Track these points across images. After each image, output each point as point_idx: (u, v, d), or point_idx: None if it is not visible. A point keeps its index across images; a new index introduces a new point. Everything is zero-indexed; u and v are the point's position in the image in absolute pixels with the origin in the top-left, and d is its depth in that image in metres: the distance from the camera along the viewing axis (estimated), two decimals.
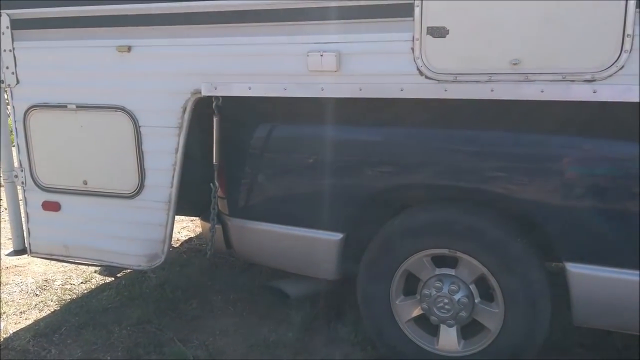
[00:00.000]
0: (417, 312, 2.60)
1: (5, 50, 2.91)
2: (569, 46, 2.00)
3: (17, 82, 2.96)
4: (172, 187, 2.74)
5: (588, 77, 1.99)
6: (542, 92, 2.06)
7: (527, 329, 2.38)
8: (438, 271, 2.52)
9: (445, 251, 2.47)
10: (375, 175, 2.56)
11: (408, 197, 2.58)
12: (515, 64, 2.07)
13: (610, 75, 1.96)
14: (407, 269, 2.56)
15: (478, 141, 2.37)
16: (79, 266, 3.83)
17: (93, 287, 3.74)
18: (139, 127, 2.75)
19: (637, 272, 2.17)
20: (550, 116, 2.20)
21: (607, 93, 1.98)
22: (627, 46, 1.91)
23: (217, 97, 2.63)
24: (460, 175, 2.38)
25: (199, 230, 4.53)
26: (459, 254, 2.44)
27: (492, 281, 2.41)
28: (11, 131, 3.11)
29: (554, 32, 2.00)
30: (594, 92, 1.99)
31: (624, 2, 1.88)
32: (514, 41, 2.07)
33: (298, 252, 2.78)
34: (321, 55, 2.36)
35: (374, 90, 2.35)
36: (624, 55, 1.92)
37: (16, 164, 3.10)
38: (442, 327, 2.54)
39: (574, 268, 2.26)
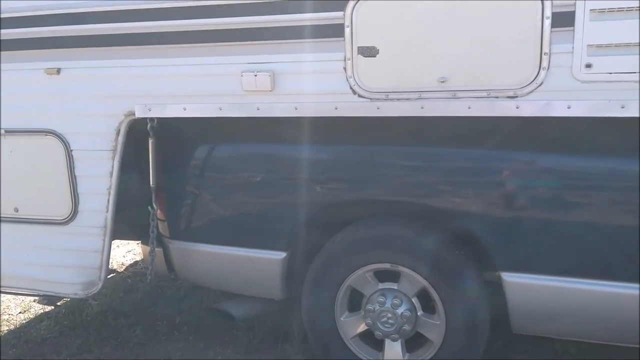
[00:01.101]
0: (362, 327, 2.70)
1: None
2: (493, 64, 2.15)
3: None
4: (107, 211, 2.76)
5: (510, 93, 2.15)
6: (469, 108, 2.20)
7: (468, 338, 2.52)
8: (381, 286, 2.63)
9: (387, 265, 2.58)
10: (316, 193, 2.65)
11: (349, 214, 2.68)
12: (442, 82, 2.21)
13: (531, 92, 2.12)
14: (350, 284, 2.66)
15: (415, 156, 2.51)
16: (17, 296, 3.79)
17: (32, 316, 3.70)
18: (71, 151, 2.77)
19: (572, 279, 2.34)
20: (482, 131, 2.34)
21: (528, 109, 2.14)
22: (544, 64, 2.07)
23: (152, 119, 2.68)
24: (399, 190, 2.50)
25: None
26: (400, 268, 2.56)
27: (433, 293, 2.54)
28: None
29: (478, 50, 2.15)
30: (517, 107, 2.15)
31: (540, 22, 2.04)
32: (441, 60, 2.20)
33: (241, 272, 2.85)
34: (255, 75, 2.45)
35: (309, 109, 2.45)
36: (542, 73, 2.09)
37: None
38: (387, 342, 2.65)
39: (509, 277, 2.42)
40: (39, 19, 2.66)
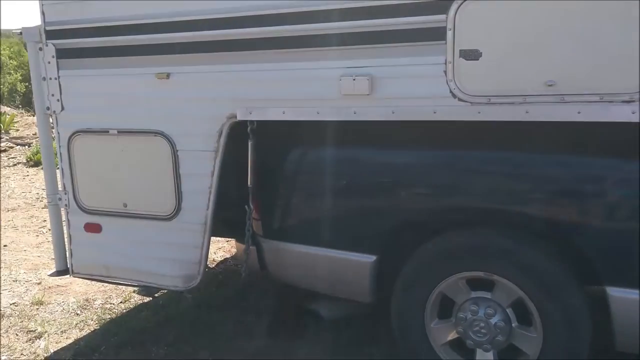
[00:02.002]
0: (452, 335, 2.52)
1: (51, 79, 3.00)
2: (606, 66, 1.94)
3: (62, 108, 3.04)
4: (208, 209, 2.75)
5: (627, 98, 1.93)
6: (579, 113, 2.00)
7: (566, 354, 2.29)
8: (474, 294, 2.45)
9: (480, 274, 2.40)
10: (409, 198, 2.52)
11: (443, 220, 2.52)
12: (550, 85, 2.02)
13: None
14: (442, 291, 2.50)
15: (513, 163, 2.32)
16: (119, 286, 3.88)
17: (132, 306, 3.77)
18: (177, 151, 2.78)
19: None
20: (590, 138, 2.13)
21: None
22: None
23: (251, 122, 2.65)
24: (495, 197, 2.32)
25: (234, 250, 4.54)
26: (495, 277, 2.37)
27: (530, 305, 2.33)
28: (55, 155, 3.19)
29: (590, 52, 1.95)
30: (633, 112, 1.93)
31: None
32: (548, 62, 2.02)
33: (331, 274, 2.75)
34: (354, 80, 2.35)
35: (406, 113, 2.32)
36: None
37: (60, 187, 3.18)
38: (479, 352, 2.46)
39: (616, 292, 2.17)
40: (152, 27, 2.70)
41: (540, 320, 2.31)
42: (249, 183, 2.75)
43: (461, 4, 2.11)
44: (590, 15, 1.93)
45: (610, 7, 1.90)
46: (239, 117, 2.63)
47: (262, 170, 2.80)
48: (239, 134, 2.68)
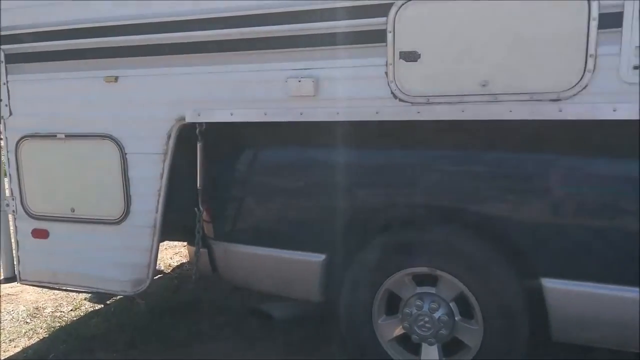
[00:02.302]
0: (398, 331, 2.54)
1: None
2: (536, 67, 2.01)
3: (10, 114, 2.95)
4: (157, 212, 2.71)
5: (554, 96, 2.00)
6: (510, 111, 2.06)
7: (506, 344, 2.33)
8: (419, 289, 2.48)
9: (425, 269, 2.43)
10: (356, 197, 2.53)
11: (388, 218, 2.55)
12: (484, 85, 2.08)
13: (575, 95, 1.97)
14: (388, 288, 2.52)
15: (456, 161, 2.36)
16: (70, 293, 3.77)
17: (82, 314, 3.66)
18: (125, 154, 2.73)
19: (623, 287, 2.14)
20: (524, 135, 2.19)
21: (572, 112, 1.98)
22: (590, 66, 1.92)
23: (200, 124, 2.63)
24: (436, 194, 2.36)
25: None
26: (438, 272, 2.40)
27: (472, 298, 2.36)
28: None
29: (520, 53, 2.01)
30: (560, 110, 1.99)
31: (586, 23, 1.90)
32: (482, 63, 2.07)
33: (281, 274, 2.73)
34: (299, 81, 2.37)
35: (350, 114, 2.35)
36: (587, 75, 1.93)
37: (7, 193, 3.08)
38: (424, 346, 2.48)
39: (550, 284, 2.23)
40: (99, 30, 2.65)
41: (480, 313, 2.35)
42: (198, 185, 2.72)
43: (401, 6, 2.15)
44: (521, 17, 1.99)
45: (538, 10, 1.97)
46: (188, 120, 2.60)
47: (212, 172, 2.77)
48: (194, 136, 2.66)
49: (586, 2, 1.88)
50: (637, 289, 2.11)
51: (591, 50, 1.91)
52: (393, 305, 2.56)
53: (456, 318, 2.43)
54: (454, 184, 2.33)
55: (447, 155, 2.36)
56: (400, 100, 2.22)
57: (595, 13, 1.87)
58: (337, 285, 2.63)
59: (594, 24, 1.88)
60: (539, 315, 2.29)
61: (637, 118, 1.90)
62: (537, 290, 2.27)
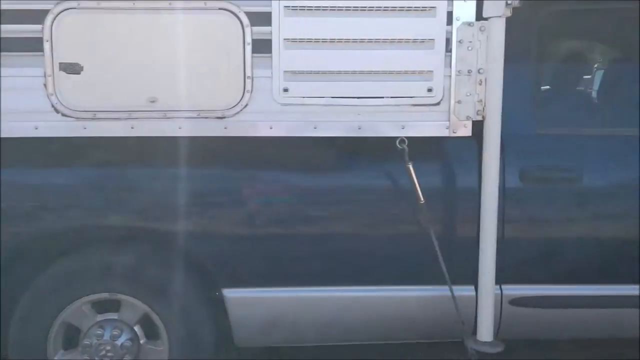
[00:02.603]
0: None
1: None
2: (203, 86, 2.03)
3: None
4: None
5: (219, 114, 2.05)
6: (180, 128, 2.05)
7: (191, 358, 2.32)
8: (100, 317, 2.29)
9: (105, 295, 2.26)
10: (21, 221, 2.21)
11: (62, 243, 2.29)
12: (153, 102, 2.02)
13: (237, 113, 2.04)
14: (66, 320, 2.27)
15: (130, 177, 2.25)
16: None
17: None
18: None
19: (288, 288, 2.31)
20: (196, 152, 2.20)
21: (235, 129, 2.06)
22: (248, 87, 2.03)
23: None
24: (112, 214, 2.21)
25: None
26: (120, 296, 2.26)
27: (156, 318, 2.29)
28: None
29: (187, 71, 2.02)
30: (225, 128, 2.06)
31: (242, 47, 2.00)
32: (150, 79, 2.02)
33: None
34: None
35: (8, 130, 2.04)
36: (247, 95, 2.03)
37: None
38: None
39: (229, 293, 2.29)
40: None
41: (165, 332, 2.29)
42: None
43: (57, 14, 1.95)
44: (191, 37, 2.00)
45: (205, 29, 2.00)
46: None
47: None
48: None
49: (241, 28, 1.98)
50: (315, 288, 2.31)
51: (248, 73, 2.02)
52: (75, 337, 2.32)
53: (141, 341, 2.32)
54: (127, 202, 2.22)
55: (116, 174, 2.23)
56: (63, 115, 2.02)
57: (249, 38, 1.99)
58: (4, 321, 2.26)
59: (249, 48, 2.00)
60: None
61: (289, 135, 2.08)
62: (220, 301, 2.33)
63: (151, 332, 2.33)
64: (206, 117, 2.05)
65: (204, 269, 2.29)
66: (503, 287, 2.34)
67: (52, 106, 2.01)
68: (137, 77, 2.01)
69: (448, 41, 2.04)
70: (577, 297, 2.39)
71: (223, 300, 2.30)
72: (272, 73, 2.02)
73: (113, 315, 2.29)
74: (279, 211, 2.26)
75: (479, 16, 2.02)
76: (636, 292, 2.38)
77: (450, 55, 2.05)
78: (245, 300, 2.30)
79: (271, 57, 2.01)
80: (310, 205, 2.26)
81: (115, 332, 2.27)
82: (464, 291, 2.28)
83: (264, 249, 2.28)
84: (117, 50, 2.00)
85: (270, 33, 1.99)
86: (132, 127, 2.03)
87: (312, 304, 2.32)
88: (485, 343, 2.21)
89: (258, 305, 2.32)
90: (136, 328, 2.31)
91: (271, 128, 2.07)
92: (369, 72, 2.06)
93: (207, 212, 2.24)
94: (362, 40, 2.02)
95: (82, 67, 1.99)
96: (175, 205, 2.22)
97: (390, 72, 2.06)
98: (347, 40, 2.02)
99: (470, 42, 2.03)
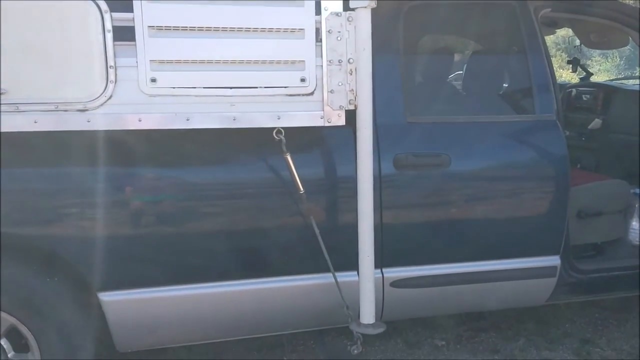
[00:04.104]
0: None
1: None
2: (59, 76, 1.79)
3: None
4: None
5: (81, 106, 1.82)
6: (35, 122, 1.79)
7: None
8: None
9: None
10: None
11: None
12: (3, 94, 1.76)
13: (101, 105, 1.82)
14: None
15: None
16: None
17: None
18: None
19: (167, 287, 2.12)
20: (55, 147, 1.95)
21: (100, 122, 1.83)
22: (112, 77, 1.81)
23: None
24: None
25: None
26: None
27: (24, 329, 2.01)
28: None
29: (39, 60, 1.77)
30: (88, 121, 1.83)
31: (102, 35, 1.79)
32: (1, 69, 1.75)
33: None
34: None
35: None
36: (111, 86, 1.82)
37: None
38: None
39: (105, 297, 2.07)
40: None
41: (36, 344, 2.02)
42: None
43: None
44: (35, 19, 1.76)
45: (58, 15, 1.77)
46: None
47: None
48: None
49: (99, 14, 1.77)
50: (197, 285, 2.14)
51: (111, 62, 1.81)
52: None
53: (9, 355, 2.03)
54: None
55: None
56: None
57: (109, 25, 1.78)
58: None
59: (110, 35, 1.79)
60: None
61: (160, 128, 1.90)
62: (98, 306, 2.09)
63: (19, 345, 2.05)
64: (65, 110, 1.82)
65: (76, 273, 2.04)
66: (384, 270, 2.31)
67: None
68: None
69: (318, 31, 1.95)
70: (453, 275, 2.41)
71: (100, 303, 2.07)
72: (137, 62, 1.83)
73: None
74: (151, 209, 2.06)
75: (347, 7, 1.96)
76: (504, 267, 2.45)
77: (321, 45, 1.97)
78: (122, 303, 2.08)
79: (135, 45, 1.82)
80: (187, 201, 2.09)
81: None
82: (348, 277, 2.22)
83: (137, 249, 2.08)
84: None
85: (133, 20, 1.80)
86: None
87: (194, 301, 2.15)
88: (368, 325, 2.16)
89: (137, 307, 2.11)
90: (2, 341, 2.02)
91: (140, 120, 1.87)
92: (242, 62, 1.92)
93: (75, 212, 2.00)
94: (232, 29, 1.89)
95: None
96: (39, 207, 1.96)
97: (263, 62, 1.94)
98: (217, 29, 1.87)
99: (339, 32, 1.96)
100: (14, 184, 1.94)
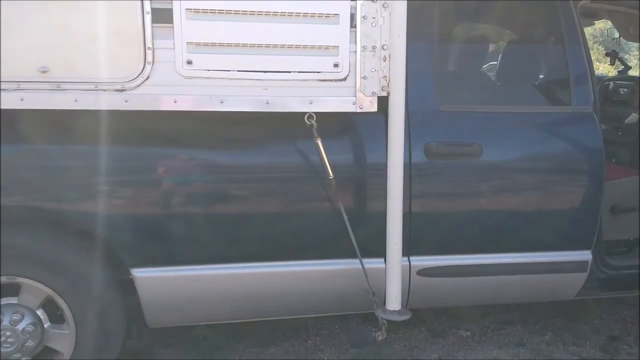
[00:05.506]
0: None
1: None
2: (99, 56, 1.81)
3: None
4: None
5: (119, 87, 1.83)
6: (76, 101, 1.81)
7: (100, 342, 2.11)
8: None
9: (4, 279, 2.01)
10: None
11: None
12: (44, 72, 1.79)
13: (138, 86, 1.83)
14: None
15: (21, 155, 1.99)
16: None
17: None
18: None
19: (199, 266, 2.14)
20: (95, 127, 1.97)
21: (137, 102, 1.84)
22: (149, 58, 1.82)
23: None
24: (10, 194, 1.95)
25: None
26: (19, 279, 2.02)
27: (60, 302, 2.06)
28: None
29: (82, 41, 1.79)
30: (126, 101, 1.84)
31: (141, 17, 1.79)
32: (41, 48, 1.78)
33: None
34: None
35: None
36: (148, 67, 1.82)
37: None
38: None
39: (138, 273, 2.10)
40: None
41: (71, 316, 2.07)
42: None
43: None
44: (82, 3, 1.77)
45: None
46: None
47: None
48: None
49: None
50: (228, 265, 2.15)
51: (149, 44, 1.81)
52: None
53: (45, 326, 2.09)
54: (25, 181, 1.97)
55: (9, 151, 1.95)
56: None
57: (148, 7, 1.78)
58: None
59: (148, 17, 1.79)
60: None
61: (194, 109, 1.90)
62: (130, 282, 2.13)
63: (56, 316, 2.11)
64: (104, 90, 1.83)
65: (110, 249, 2.08)
66: (411, 258, 2.28)
67: None
68: (27, 45, 1.77)
69: (352, 17, 1.92)
70: (480, 266, 2.36)
71: (133, 280, 2.11)
72: (174, 44, 1.83)
73: (13, 300, 2.05)
74: (185, 189, 2.08)
75: None
76: (533, 260, 2.40)
77: (355, 31, 1.94)
78: (154, 279, 2.11)
79: (173, 27, 1.82)
80: (221, 183, 2.10)
81: (16, 317, 2.02)
82: (374, 264, 2.20)
83: (172, 227, 2.10)
84: (5, 14, 1.74)
85: (171, 2, 1.80)
86: (22, 99, 1.79)
87: (225, 281, 2.16)
88: (394, 312, 2.15)
89: (168, 285, 2.14)
90: (39, 312, 2.08)
91: (175, 102, 1.88)
92: (276, 46, 1.91)
93: (110, 190, 2.02)
94: (267, 13, 1.87)
95: None
96: (75, 185, 2.00)
97: (297, 47, 1.92)
98: (252, 13, 1.86)
99: (374, 18, 1.92)
100: (51, 161, 1.98)
